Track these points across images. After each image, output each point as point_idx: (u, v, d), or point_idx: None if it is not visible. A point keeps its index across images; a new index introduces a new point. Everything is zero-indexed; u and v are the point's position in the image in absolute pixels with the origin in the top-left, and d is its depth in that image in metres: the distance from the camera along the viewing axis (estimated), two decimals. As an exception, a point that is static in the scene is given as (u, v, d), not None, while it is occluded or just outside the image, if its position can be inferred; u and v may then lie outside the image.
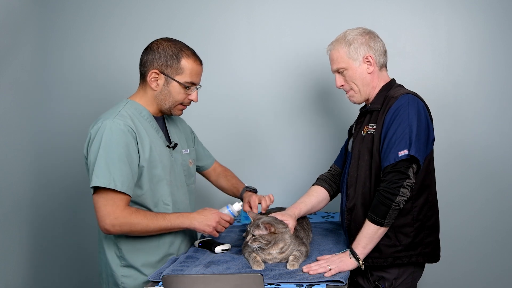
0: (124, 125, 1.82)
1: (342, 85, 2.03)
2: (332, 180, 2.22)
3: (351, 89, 2.02)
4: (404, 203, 1.80)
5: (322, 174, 2.27)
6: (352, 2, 2.74)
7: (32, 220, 2.93)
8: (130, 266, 1.90)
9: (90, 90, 2.96)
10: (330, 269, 1.73)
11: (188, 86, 1.93)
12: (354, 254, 1.82)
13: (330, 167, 2.28)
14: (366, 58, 1.98)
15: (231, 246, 1.99)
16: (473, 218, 2.70)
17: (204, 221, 1.91)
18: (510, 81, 2.64)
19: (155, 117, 1.99)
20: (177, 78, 1.91)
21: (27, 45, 2.87)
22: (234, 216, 2.04)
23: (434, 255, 1.98)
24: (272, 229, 1.77)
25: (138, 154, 1.85)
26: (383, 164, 1.85)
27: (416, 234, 1.91)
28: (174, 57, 1.90)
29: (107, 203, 1.78)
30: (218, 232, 1.95)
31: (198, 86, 1.98)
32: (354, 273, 2.04)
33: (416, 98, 1.92)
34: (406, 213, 1.90)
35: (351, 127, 2.22)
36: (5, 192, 2.70)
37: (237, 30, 2.86)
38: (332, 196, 2.21)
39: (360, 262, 1.81)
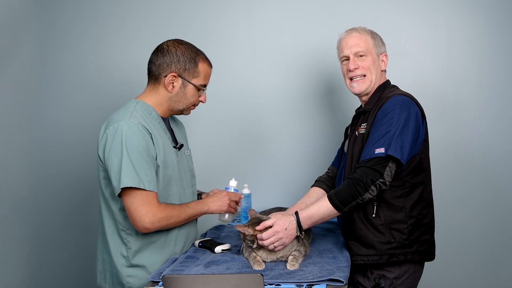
0: (141, 125, 1.84)
1: (357, 68, 2.01)
2: (331, 182, 2.22)
3: (363, 75, 2.02)
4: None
5: (321, 176, 2.27)
6: (352, 2, 2.74)
7: (32, 220, 2.93)
8: (136, 265, 1.90)
9: (90, 90, 2.96)
10: (274, 248, 1.78)
11: (202, 88, 1.98)
12: (299, 226, 1.82)
13: (328, 169, 2.29)
14: (384, 56, 2.07)
15: (231, 246, 1.99)
16: (473, 217, 2.70)
17: (218, 202, 2.04)
18: (510, 81, 2.64)
19: (162, 118, 2.00)
20: (193, 81, 1.95)
21: (27, 45, 2.87)
22: (237, 191, 2.17)
23: (429, 254, 1.98)
24: (250, 231, 1.80)
25: (156, 153, 1.87)
26: (360, 159, 1.87)
27: (410, 232, 1.90)
28: (192, 61, 1.93)
29: (143, 203, 1.80)
30: (234, 208, 2.10)
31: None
32: (353, 272, 2.03)
33: (407, 99, 1.92)
34: (399, 210, 1.90)
35: (347, 128, 2.23)
36: (5, 192, 2.70)
37: (237, 30, 2.86)
38: None
39: (302, 234, 1.83)
